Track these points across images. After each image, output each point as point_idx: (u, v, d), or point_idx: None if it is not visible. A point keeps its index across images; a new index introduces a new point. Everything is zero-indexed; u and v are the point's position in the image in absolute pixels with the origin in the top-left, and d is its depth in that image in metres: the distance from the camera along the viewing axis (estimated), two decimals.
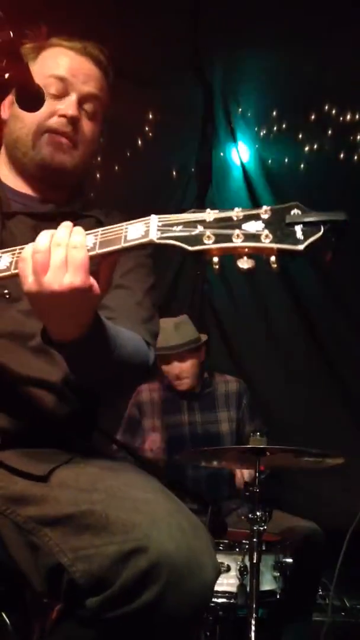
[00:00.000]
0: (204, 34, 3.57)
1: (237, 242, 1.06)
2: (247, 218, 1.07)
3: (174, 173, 3.96)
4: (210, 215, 1.09)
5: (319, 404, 3.63)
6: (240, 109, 3.99)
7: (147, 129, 3.78)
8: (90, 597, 1.15)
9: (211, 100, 3.89)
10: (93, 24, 2.86)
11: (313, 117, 3.94)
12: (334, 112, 3.92)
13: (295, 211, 1.07)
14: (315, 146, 3.97)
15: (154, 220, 1.12)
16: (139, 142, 3.78)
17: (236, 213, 1.08)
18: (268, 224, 1.06)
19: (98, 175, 3.59)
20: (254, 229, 1.06)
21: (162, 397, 3.11)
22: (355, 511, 2.10)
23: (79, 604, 1.17)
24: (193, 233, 1.08)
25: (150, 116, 3.77)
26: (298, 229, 1.05)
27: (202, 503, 2.61)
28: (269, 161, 4.03)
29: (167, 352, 2.97)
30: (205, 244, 1.07)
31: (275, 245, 1.05)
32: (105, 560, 1.14)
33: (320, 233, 1.05)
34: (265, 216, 1.07)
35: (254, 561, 1.88)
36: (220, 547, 2.13)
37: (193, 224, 1.09)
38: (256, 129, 3.98)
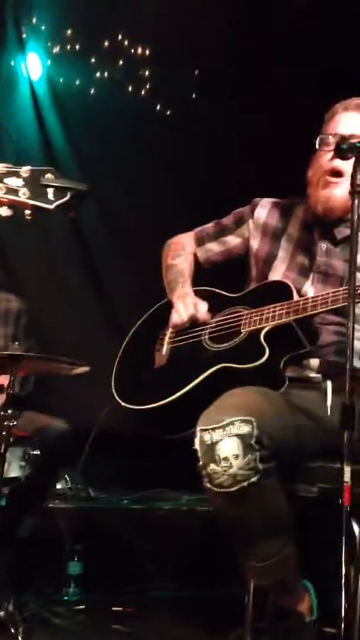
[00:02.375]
0: None
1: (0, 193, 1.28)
2: (9, 174, 1.30)
3: None
4: None
5: (87, 320, 3.97)
6: (34, 20, 3.94)
7: None
8: None
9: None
10: None
11: (107, 44, 4.06)
12: (126, 43, 4.08)
13: (49, 175, 1.32)
14: (106, 74, 4.10)
15: None
16: None
17: (0, 167, 1.29)
18: (26, 182, 1.30)
19: None
20: (14, 184, 1.29)
21: None
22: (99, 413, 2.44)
23: None
24: None
25: None
26: (50, 191, 1.31)
27: None
28: (60, 80, 4.06)
29: None
30: None
31: (30, 201, 1.30)
32: None
33: (67, 198, 1.34)
34: (24, 175, 1.31)
35: (1, 451, 2.15)
36: None
37: None
38: (49, 44, 3.97)
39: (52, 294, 3.97)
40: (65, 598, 2.85)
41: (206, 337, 2.12)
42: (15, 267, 3.89)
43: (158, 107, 4.20)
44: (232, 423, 1.69)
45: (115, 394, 2.19)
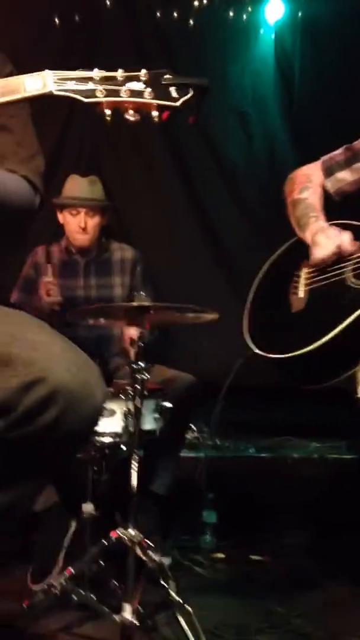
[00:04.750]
0: None
1: (125, 97, 1.25)
2: (129, 79, 1.26)
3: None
4: (97, 73, 1.25)
5: (200, 268, 3.88)
6: None
7: None
8: None
9: None
10: None
11: None
12: None
13: (167, 75, 1.28)
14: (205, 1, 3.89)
15: (49, 74, 1.25)
16: None
17: (119, 74, 1.26)
18: (147, 83, 1.26)
19: None
20: (137, 87, 1.25)
21: (60, 259, 3.15)
22: (229, 364, 2.37)
23: None
24: (86, 87, 1.24)
25: None
26: (172, 89, 1.26)
27: (90, 357, 2.79)
28: (158, 13, 3.89)
29: (80, 202, 3.04)
30: (97, 97, 1.24)
31: (156, 101, 1.26)
32: (9, 390, 1.29)
33: (191, 93, 1.27)
34: (144, 77, 1.27)
35: (137, 405, 2.10)
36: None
37: (84, 80, 1.24)
38: None
39: (163, 240, 3.90)
40: (202, 546, 2.85)
41: (350, 274, 1.94)
42: (127, 217, 3.84)
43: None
44: None
45: (250, 343, 2.08)
